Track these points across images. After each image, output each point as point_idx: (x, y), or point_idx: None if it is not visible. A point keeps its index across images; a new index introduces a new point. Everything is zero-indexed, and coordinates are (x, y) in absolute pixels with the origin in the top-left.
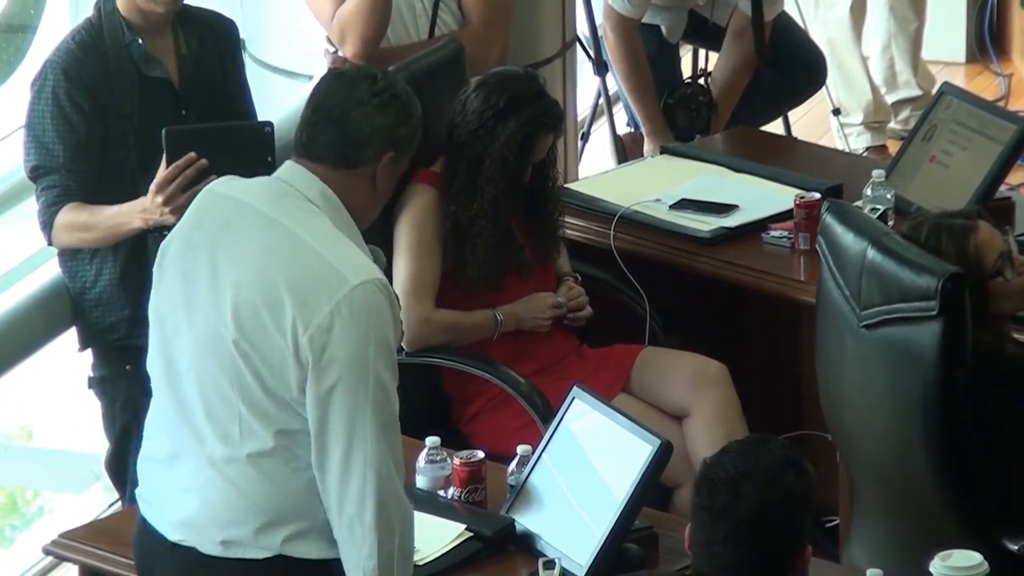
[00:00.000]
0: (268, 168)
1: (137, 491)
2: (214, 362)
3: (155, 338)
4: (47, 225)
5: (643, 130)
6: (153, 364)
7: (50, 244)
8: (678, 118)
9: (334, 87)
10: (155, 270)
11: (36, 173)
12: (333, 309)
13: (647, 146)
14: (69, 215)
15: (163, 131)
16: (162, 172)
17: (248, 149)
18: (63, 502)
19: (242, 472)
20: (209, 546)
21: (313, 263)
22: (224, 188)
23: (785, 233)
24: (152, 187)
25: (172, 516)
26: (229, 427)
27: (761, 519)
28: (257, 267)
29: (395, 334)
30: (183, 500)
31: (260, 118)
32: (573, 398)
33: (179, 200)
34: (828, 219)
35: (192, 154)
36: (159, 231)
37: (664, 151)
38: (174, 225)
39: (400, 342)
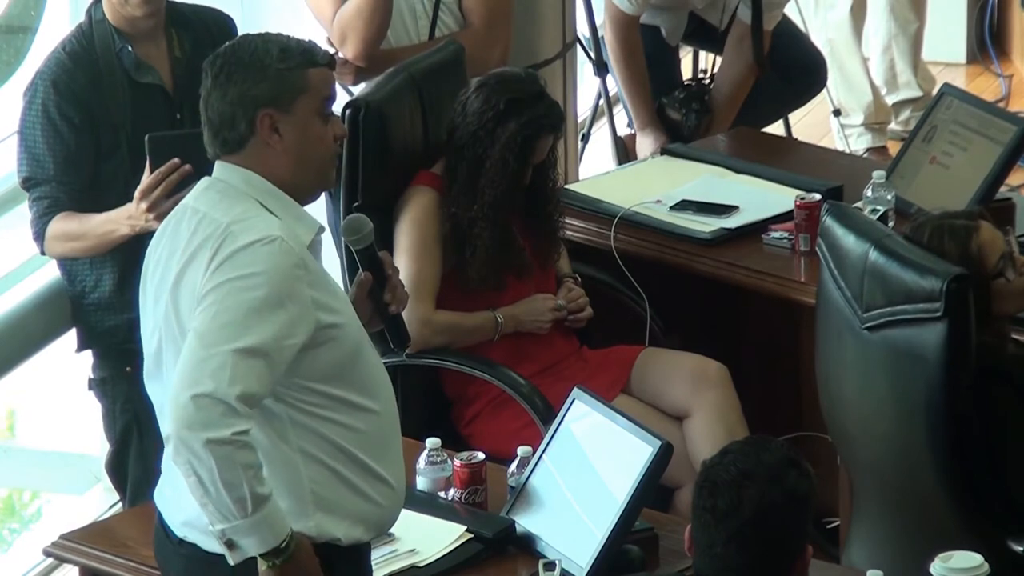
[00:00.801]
0: None
1: (157, 488)
2: (172, 359)
3: (145, 359)
4: (39, 236)
5: (634, 127)
6: (146, 382)
7: (43, 254)
8: (668, 120)
9: (200, 88)
10: (140, 292)
11: (28, 184)
12: (217, 269)
13: (639, 143)
14: (59, 225)
15: (146, 137)
16: (146, 178)
17: None
18: (63, 504)
19: None
20: (211, 544)
21: (218, 236)
22: (186, 198)
23: (785, 234)
24: (136, 194)
25: (177, 517)
26: None
27: (764, 519)
28: (183, 262)
29: (275, 283)
30: (185, 501)
31: None
32: (573, 399)
33: (164, 206)
34: (828, 221)
35: (175, 160)
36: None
37: (664, 152)
38: None
39: (310, 300)
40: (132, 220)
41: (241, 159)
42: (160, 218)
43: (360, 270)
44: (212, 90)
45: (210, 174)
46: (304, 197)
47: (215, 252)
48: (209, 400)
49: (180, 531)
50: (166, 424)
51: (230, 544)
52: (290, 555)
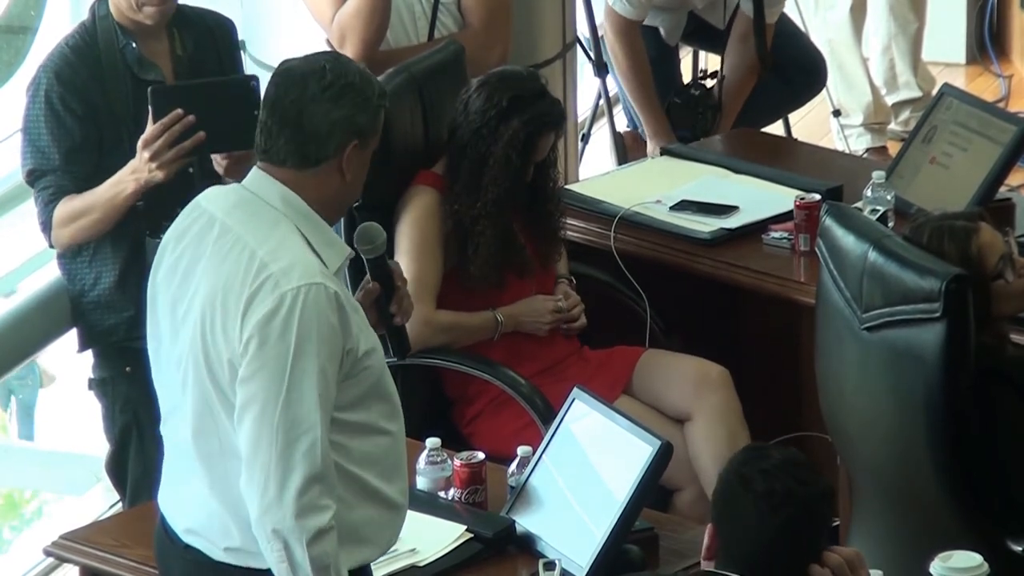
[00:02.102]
0: (254, 122)
1: (159, 492)
2: (195, 382)
3: (153, 361)
4: (46, 225)
5: (644, 130)
6: (156, 384)
7: (51, 246)
8: (682, 120)
9: (285, 86)
10: (149, 287)
11: (33, 176)
12: (259, 332)
13: (649, 146)
14: (65, 207)
15: (149, 89)
16: (149, 129)
17: (234, 104)
18: (64, 503)
19: (231, 488)
20: (217, 553)
21: (254, 275)
22: (205, 200)
23: (785, 234)
24: (139, 144)
25: (181, 524)
26: (212, 446)
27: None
28: (210, 280)
29: (327, 340)
30: (189, 509)
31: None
32: (573, 399)
33: (166, 156)
34: (828, 222)
35: (178, 111)
36: (155, 235)
37: (664, 152)
38: (163, 182)
39: (347, 346)
40: (136, 173)
41: (299, 176)
42: (163, 168)
43: (368, 277)
44: (316, 100)
45: (212, 127)
46: (334, 222)
47: (252, 296)
48: (306, 485)
49: (185, 537)
50: (251, 508)
51: None
52: None
